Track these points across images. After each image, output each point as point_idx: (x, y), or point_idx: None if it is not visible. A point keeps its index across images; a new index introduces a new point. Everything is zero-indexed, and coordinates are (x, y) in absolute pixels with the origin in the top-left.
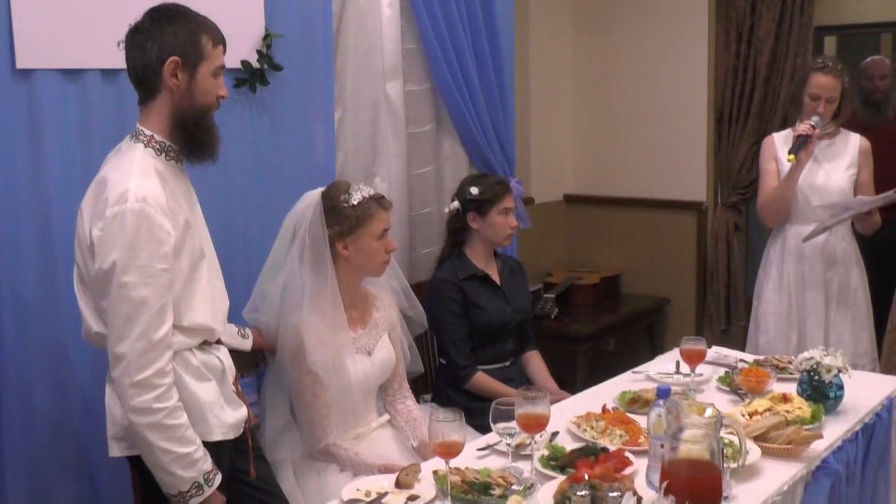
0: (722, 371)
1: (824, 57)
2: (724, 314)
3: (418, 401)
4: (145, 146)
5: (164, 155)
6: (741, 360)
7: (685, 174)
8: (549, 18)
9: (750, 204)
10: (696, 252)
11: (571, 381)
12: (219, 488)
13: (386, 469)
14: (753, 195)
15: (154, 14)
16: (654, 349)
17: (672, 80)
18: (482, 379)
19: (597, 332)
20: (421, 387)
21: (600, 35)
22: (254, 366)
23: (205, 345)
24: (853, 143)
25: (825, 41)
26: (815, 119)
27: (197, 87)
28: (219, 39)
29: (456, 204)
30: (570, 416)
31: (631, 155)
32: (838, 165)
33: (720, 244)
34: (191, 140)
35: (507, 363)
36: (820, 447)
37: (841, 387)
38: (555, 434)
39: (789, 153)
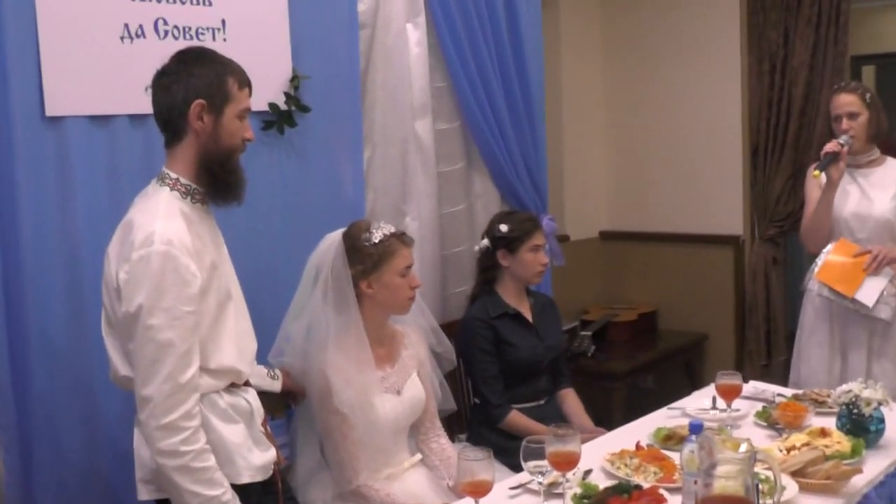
0: (759, 406)
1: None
2: (765, 349)
3: (453, 440)
4: (171, 189)
5: (189, 198)
6: (779, 395)
7: (721, 208)
8: (581, 54)
9: (788, 237)
10: (734, 286)
11: (609, 418)
12: None
13: None
14: (791, 228)
15: (181, 57)
16: (693, 385)
17: (706, 113)
18: (516, 417)
19: (634, 369)
20: (455, 426)
21: (632, 69)
22: (284, 407)
23: (232, 387)
24: None
25: (863, 70)
26: (843, 138)
27: (223, 130)
28: (245, 82)
29: (486, 242)
30: (604, 453)
31: (666, 189)
32: (883, 193)
33: (758, 278)
34: (216, 182)
35: (542, 401)
36: (860, 482)
37: (882, 420)
38: (588, 472)
39: (815, 170)
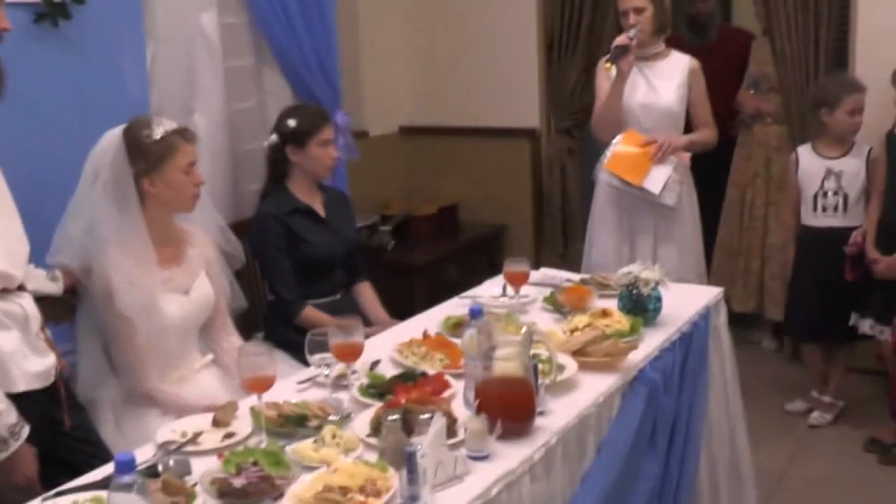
0: (548, 291)
1: None
2: (561, 238)
3: (249, 339)
4: None
5: None
6: (567, 280)
7: (518, 102)
8: None
9: (583, 129)
10: (532, 178)
11: (410, 311)
12: (31, 440)
13: (210, 409)
14: (585, 120)
15: None
16: (494, 276)
17: (502, 8)
18: (311, 313)
19: (434, 261)
20: (251, 324)
21: None
22: (70, 310)
23: (3, 292)
24: (683, 64)
25: None
26: (632, 31)
27: None
28: None
29: (274, 137)
30: (393, 344)
31: (465, 85)
32: (669, 84)
33: (554, 169)
34: None
35: (337, 296)
36: (637, 358)
37: (659, 299)
38: (376, 362)
39: (606, 61)
